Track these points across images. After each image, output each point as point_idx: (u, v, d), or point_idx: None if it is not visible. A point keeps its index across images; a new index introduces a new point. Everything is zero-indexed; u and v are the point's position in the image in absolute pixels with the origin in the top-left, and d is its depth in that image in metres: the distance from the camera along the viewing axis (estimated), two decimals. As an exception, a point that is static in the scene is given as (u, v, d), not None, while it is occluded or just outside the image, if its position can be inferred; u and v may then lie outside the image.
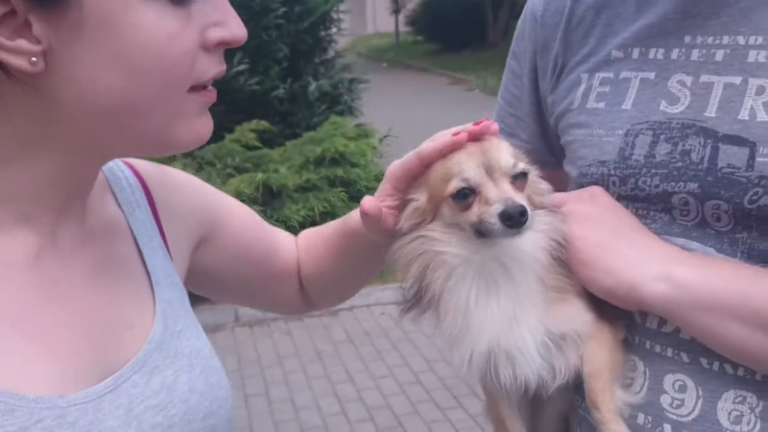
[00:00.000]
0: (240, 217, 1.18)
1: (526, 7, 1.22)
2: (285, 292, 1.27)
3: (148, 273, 0.94)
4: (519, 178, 0.95)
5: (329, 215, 6.01)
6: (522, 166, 0.96)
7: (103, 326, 0.84)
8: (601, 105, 1.06)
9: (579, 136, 1.08)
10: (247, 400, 4.60)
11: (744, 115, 0.93)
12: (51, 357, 0.77)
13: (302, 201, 6.08)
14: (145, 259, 0.94)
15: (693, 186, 0.95)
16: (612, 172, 1.02)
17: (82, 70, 0.72)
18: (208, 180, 6.11)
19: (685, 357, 0.96)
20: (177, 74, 0.75)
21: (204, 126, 0.83)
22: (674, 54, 1.01)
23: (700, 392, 0.95)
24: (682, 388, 0.96)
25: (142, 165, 1.03)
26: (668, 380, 0.97)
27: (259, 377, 4.88)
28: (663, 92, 1.00)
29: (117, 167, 0.99)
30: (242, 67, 7.03)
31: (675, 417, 0.96)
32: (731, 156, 0.92)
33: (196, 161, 6.52)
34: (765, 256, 0.92)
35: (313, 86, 7.83)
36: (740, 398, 0.93)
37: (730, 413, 0.93)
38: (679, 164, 0.96)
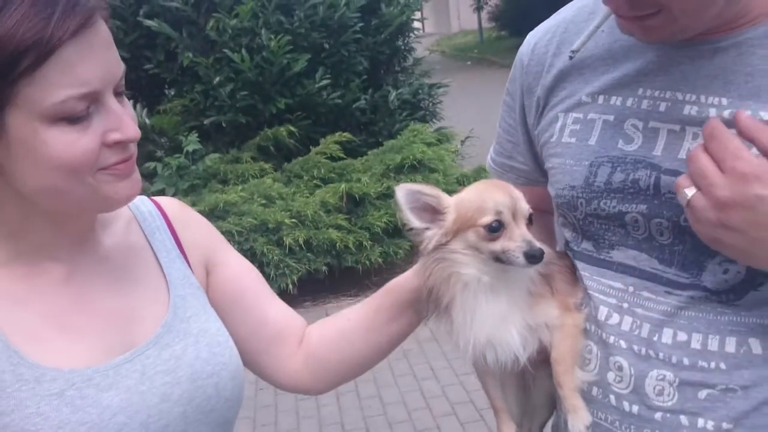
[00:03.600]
0: (239, 266, 1.41)
1: (517, 54, 1.47)
2: (281, 353, 1.39)
3: (165, 278, 1.27)
4: (529, 220, 1.23)
5: (410, 220, 6.29)
6: (531, 210, 1.23)
7: (121, 320, 1.19)
8: (573, 140, 1.30)
9: (556, 164, 1.33)
10: (339, 398, 4.94)
11: (682, 154, 1.16)
12: (80, 343, 1.13)
13: (384, 207, 6.40)
14: (163, 268, 1.28)
15: (642, 207, 1.19)
16: (580, 194, 1.27)
17: (18, 170, 1.06)
18: (297, 191, 6.56)
19: (623, 344, 1.21)
20: (81, 167, 1.05)
21: (125, 188, 1.12)
22: (629, 102, 1.25)
23: (633, 371, 1.20)
24: (620, 368, 1.22)
25: (164, 201, 1.39)
26: (611, 361, 1.23)
27: (350, 376, 5.21)
28: (620, 133, 1.24)
29: (142, 204, 1.34)
30: (324, 82, 7.37)
31: (617, 390, 1.22)
32: (671, 185, 1.15)
33: (285, 174, 6.96)
34: (695, 265, 1.16)
35: (393, 95, 8.11)
36: (661, 376, 1.18)
37: (654, 387, 1.18)
38: (632, 190, 1.20)
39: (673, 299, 1.17)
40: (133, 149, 1.12)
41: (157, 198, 1.39)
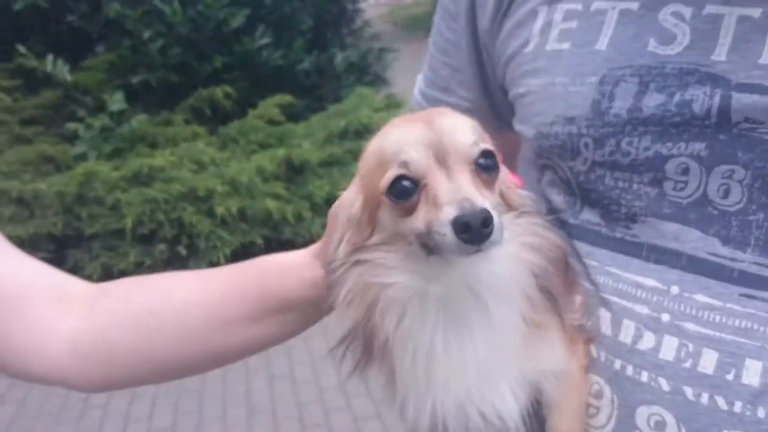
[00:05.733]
0: None
1: None
2: (14, 327, 0.91)
3: None
4: (484, 168, 0.70)
5: (354, 190, 5.86)
6: (486, 145, 0.73)
7: None
8: (566, 45, 0.84)
9: (535, 87, 0.87)
10: (271, 382, 4.52)
11: (766, 58, 0.71)
12: None
13: (326, 176, 5.92)
14: None
15: (698, 147, 0.73)
16: (584, 131, 0.80)
17: None
18: (232, 157, 6.03)
19: (664, 384, 0.74)
20: None
21: None
22: None
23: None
24: (660, 426, 0.74)
25: None
26: (642, 414, 0.76)
27: (285, 356, 4.79)
28: (652, 27, 0.78)
29: None
30: (265, 40, 6.86)
31: None
32: (750, 108, 0.71)
33: (221, 138, 6.43)
34: None
35: (339, 58, 7.62)
36: None
37: None
38: (677, 119, 0.74)
39: (756, 308, 0.71)
40: None
41: None
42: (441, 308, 0.72)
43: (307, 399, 4.33)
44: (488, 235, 0.64)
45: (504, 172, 0.77)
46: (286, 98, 6.64)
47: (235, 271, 0.93)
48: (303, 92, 7.34)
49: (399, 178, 0.69)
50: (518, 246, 0.73)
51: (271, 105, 6.57)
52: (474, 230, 0.63)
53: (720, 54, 0.74)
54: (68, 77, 6.67)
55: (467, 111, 0.91)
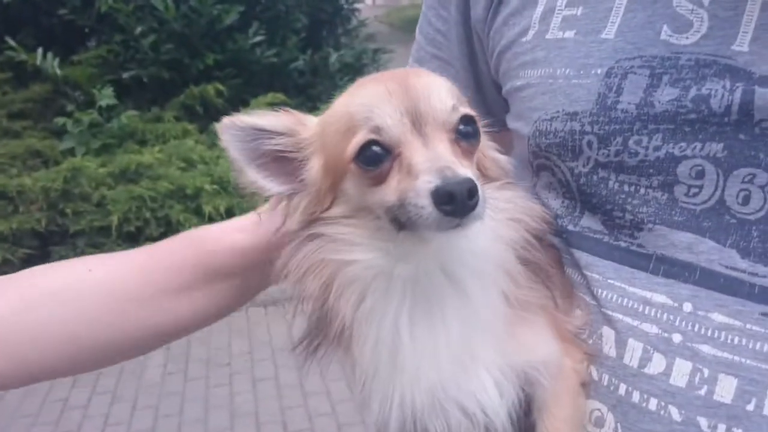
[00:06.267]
0: None
1: None
2: None
3: None
4: (464, 135, 0.65)
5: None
6: (466, 110, 0.67)
7: None
8: (569, 34, 0.77)
9: (534, 79, 0.79)
10: (255, 385, 4.43)
11: None
12: None
13: (317, 176, 5.86)
14: None
15: (716, 147, 0.66)
16: (587, 128, 0.73)
17: None
18: (221, 155, 5.95)
19: (675, 414, 0.66)
20: None
21: None
22: None
23: None
24: None
25: None
26: None
27: (270, 361, 4.70)
28: (665, 14, 0.71)
29: None
30: (258, 38, 6.82)
31: None
32: None
33: (211, 137, 6.35)
34: None
35: (334, 57, 7.57)
36: None
37: None
38: (692, 116, 0.67)
39: None
40: None
41: None
42: (408, 289, 0.66)
43: (290, 403, 4.25)
44: (473, 207, 0.58)
45: (483, 139, 0.70)
46: (279, 97, 6.57)
47: (165, 244, 0.87)
48: (296, 91, 7.29)
49: (369, 143, 0.63)
50: (500, 221, 0.67)
51: (263, 103, 6.47)
52: (459, 201, 0.57)
53: (742, 44, 0.67)
54: (58, 71, 6.59)
55: None
